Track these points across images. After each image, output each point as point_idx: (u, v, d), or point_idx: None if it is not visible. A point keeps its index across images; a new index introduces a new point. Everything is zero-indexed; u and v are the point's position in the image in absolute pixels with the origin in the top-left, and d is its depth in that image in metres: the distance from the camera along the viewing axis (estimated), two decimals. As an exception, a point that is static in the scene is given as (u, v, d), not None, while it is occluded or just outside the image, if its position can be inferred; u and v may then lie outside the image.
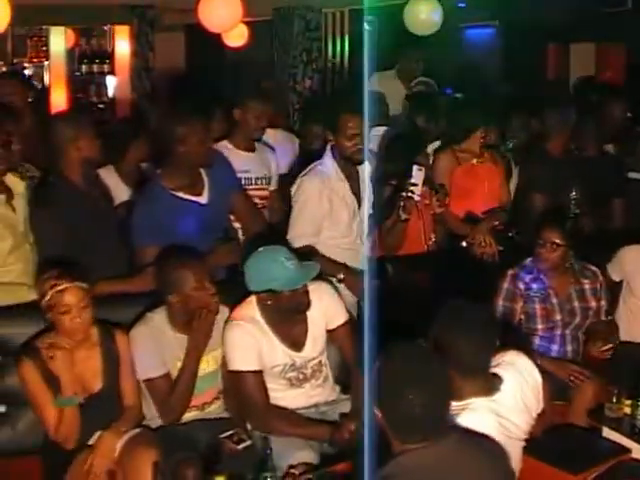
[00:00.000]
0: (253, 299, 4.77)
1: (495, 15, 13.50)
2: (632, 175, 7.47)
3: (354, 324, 5.08)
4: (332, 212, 5.67)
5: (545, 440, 4.62)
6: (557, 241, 5.49)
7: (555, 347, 5.65)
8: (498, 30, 13.97)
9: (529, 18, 12.65)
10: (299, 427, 4.69)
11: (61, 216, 5.13)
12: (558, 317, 5.61)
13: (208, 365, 4.82)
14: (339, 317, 4.95)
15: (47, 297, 4.46)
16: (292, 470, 4.37)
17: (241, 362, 4.67)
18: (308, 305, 4.74)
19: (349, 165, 5.71)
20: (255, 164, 6.43)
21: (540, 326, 5.62)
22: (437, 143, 7.19)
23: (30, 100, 6.83)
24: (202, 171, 5.42)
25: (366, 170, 5.77)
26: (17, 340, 4.71)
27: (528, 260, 5.66)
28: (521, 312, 5.64)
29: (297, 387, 4.85)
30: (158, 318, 4.76)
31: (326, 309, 4.89)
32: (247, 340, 4.67)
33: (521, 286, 5.61)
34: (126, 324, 4.81)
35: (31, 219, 5.22)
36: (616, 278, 6.06)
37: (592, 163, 7.30)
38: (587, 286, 5.70)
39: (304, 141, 7.29)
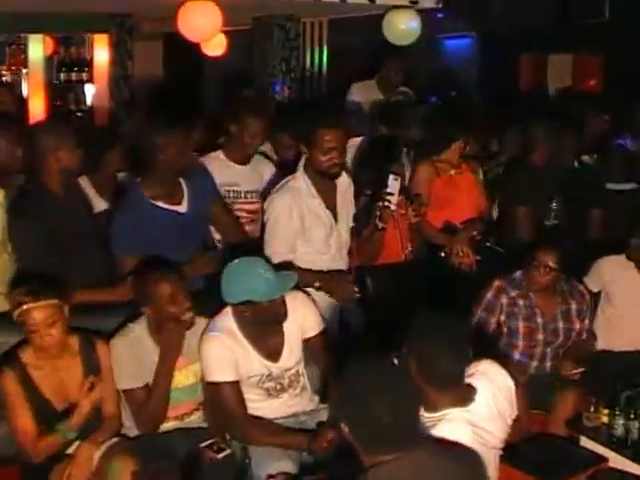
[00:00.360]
0: (229, 310, 4.76)
1: (473, 26, 13.60)
2: (610, 186, 7.50)
3: (329, 334, 5.09)
4: (305, 229, 5.54)
5: (523, 449, 4.64)
6: (551, 264, 5.45)
7: (534, 363, 5.64)
8: (476, 40, 14.07)
9: (506, 28, 12.76)
10: (277, 436, 4.67)
11: (40, 226, 5.09)
12: (541, 337, 5.59)
13: (187, 378, 4.81)
14: (315, 327, 4.94)
15: (16, 314, 4.46)
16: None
17: (218, 373, 4.66)
18: (285, 315, 4.73)
19: (324, 179, 5.58)
20: (246, 177, 6.32)
21: (521, 343, 5.60)
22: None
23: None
24: (181, 180, 5.41)
25: (344, 182, 5.72)
26: (-4, 349, 4.69)
27: (517, 273, 5.63)
28: (502, 325, 5.63)
29: (275, 397, 4.84)
30: (138, 328, 4.76)
31: (302, 319, 4.87)
32: (223, 352, 4.67)
33: (504, 300, 5.59)
34: (107, 333, 4.80)
35: (10, 228, 5.18)
36: (594, 288, 6.05)
37: (571, 174, 7.34)
38: (574, 307, 5.68)
39: (275, 151, 7.21)
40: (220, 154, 6.28)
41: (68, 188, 5.41)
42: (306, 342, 4.93)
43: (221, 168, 6.09)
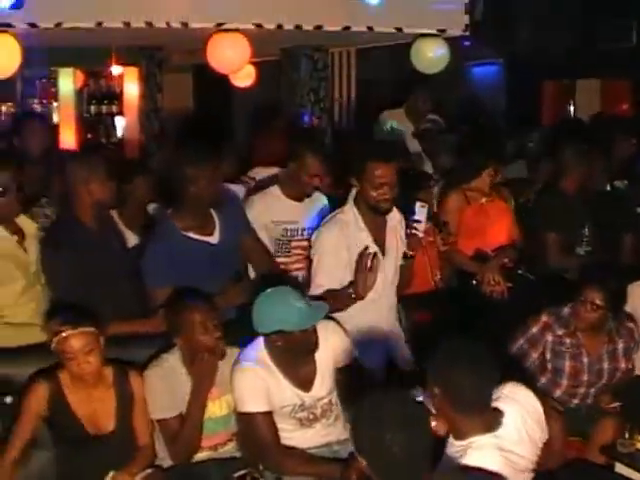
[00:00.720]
0: (260, 340, 4.77)
1: (500, 52, 13.60)
2: (640, 210, 7.48)
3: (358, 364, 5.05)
4: (351, 263, 5.38)
5: (559, 475, 4.60)
6: (598, 302, 5.26)
7: (575, 401, 5.54)
8: (503, 67, 14.06)
9: (533, 54, 12.74)
10: (310, 466, 4.66)
11: (73, 258, 5.12)
12: (585, 377, 5.46)
13: (221, 409, 4.83)
14: (346, 357, 4.93)
15: (53, 344, 4.52)
16: (305, 510, 4.39)
17: (250, 404, 4.67)
18: (317, 345, 4.72)
19: (374, 214, 5.50)
20: (303, 214, 6.19)
21: (566, 382, 5.47)
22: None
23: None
24: (213, 212, 5.44)
25: (395, 218, 5.63)
26: (28, 380, 4.73)
27: (565, 310, 5.46)
28: (546, 363, 5.49)
29: (308, 427, 4.84)
30: (172, 359, 4.78)
31: (333, 348, 4.87)
32: (256, 382, 4.67)
33: (550, 338, 5.44)
34: (140, 364, 4.82)
35: (42, 260, 5.23)
36: None
37: (602, 199, 7.31)
38: (620, 345, 5.53)
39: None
40: (277, 189, 6.18)
41: (100, 220, 5.44)
42: (339, 371, 4.92)
43: (277, 205, 6.06)
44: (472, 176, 6.61)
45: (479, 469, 3.62)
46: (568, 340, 5.45)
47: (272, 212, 5.88)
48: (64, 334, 4.47)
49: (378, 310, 5.59)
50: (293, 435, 4.79)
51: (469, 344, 3.86)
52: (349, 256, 5.40)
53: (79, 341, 4.48)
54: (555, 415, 4.55)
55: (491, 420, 3.86)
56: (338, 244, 5.43)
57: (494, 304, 6.22)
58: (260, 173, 7.13)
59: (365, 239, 5.47)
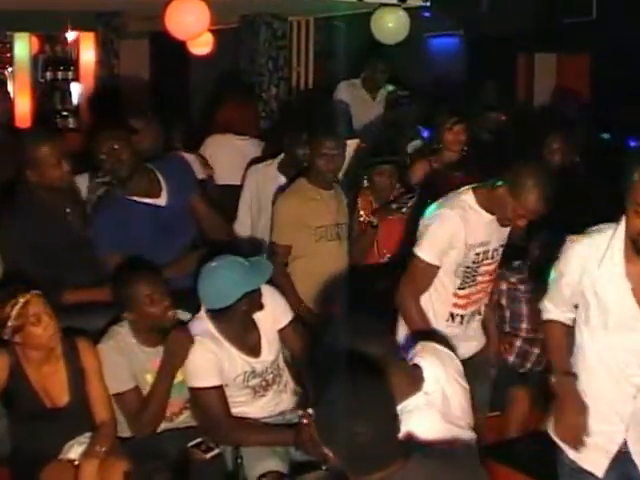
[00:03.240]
0: (203, 315, 4.75)
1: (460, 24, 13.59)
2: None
3: (300, 321, 5.11)
4: None
5: (518, 447, 4.62)
6: None
7: (536, 351, 5.64)
8: (463, 39, 14.05)
9: (494, 28, 12.75)
10: (263, 435, 4.66)
11: (22, 230, 5.02)
12: None
13: (180, 373, 4.77)
14: (285, 316, 4.95)
15: (13, 317, 4.38)
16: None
17: (202, 379, 4.65)
18: (261, 306, 4.74)
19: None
20: None
21: (524, 326, 5.64)
22: (417, 142, 7.27)
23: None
24: (159, 174, 5.40)
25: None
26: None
27: (515, 263, 5.61)
28: (504, 310, 5.66)
29: (261, 396, 4.84)
30: (124, 331, 4.74)
31: (272, 310, 4.87)
32: (207, 356, 4.65)
33: (504, 287, 5.63)
34: (95, 332, 4.76)
35: None
36: None
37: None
38: None
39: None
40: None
41: (55, 193, 5.26)
42: (280, 332, 4.93)
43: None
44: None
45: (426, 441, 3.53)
46: (522, 287, 5.63)
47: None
48: (22, 299, 4.36)
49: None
50: (247, 406, 4.79)
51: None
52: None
53: (39, 303, 4.40)
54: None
55: (415, 379, 3.72)
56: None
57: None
58: (217, 140, 7.16)
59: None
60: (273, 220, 5.92)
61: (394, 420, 3.15)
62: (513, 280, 5.63)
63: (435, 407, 3.70)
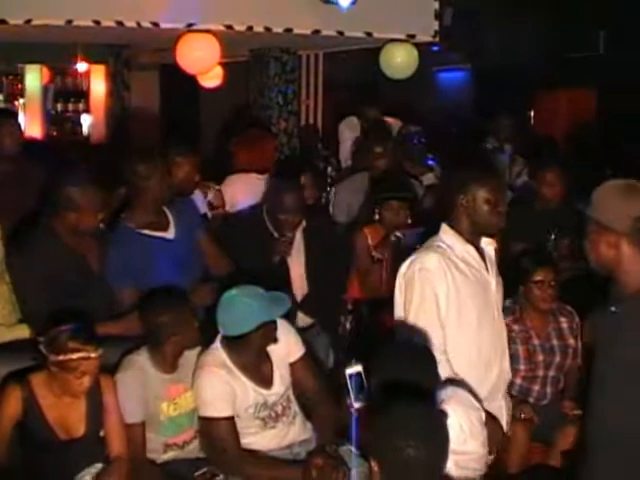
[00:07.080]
0: (217, 345, 4.78)
1: (468, 59, 13.67)
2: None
3: (310, 356, 5.14)
4: None
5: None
6: (552, 281, 5.62)
7: (536, 388, 5.70)
8: (471, 73, 14.14)
9: (501, 62, 12.82)
10: (271, 469, 4.67)
11: (41, 262, 5.04)
12: (540, 358, 5.68)
13: (188, 404, 4.82)
14: (298, 350, 4.99)
15: (62, 357, 4.33)
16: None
17: (213, 408, 4.67)
18: (276, 339, 4.78)
19: None
20: None
21: (522, 367, 5.65)
22: (430, 176, 7.33)
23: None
24: (166, 210, 5.46)
25: None
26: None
27: (507, 302, 5.59)
28: None
29: (271, 427, 4.84)
30: (142, 360, 4.77)
31: (286, 343, 4.91)
32: (221, 387, 4.68)
33: None
34: (109, 366, 4.75)
35: (8, 260, 5.15)
36: None
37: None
38: (565, 325, 5.78)
39: None
40: None
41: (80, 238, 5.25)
42: (292, 365, 4.97)
43: None
44: None
45: None
46: (516, 327, 5.68)
47: None
48: (87, 354, 4.33)
49: None
50: (257, 437, 4.80)
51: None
52: None
53: (94, 366, 4.38)
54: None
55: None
56: None
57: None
58: (240, 180, 7.14)
59: None
60: None
61: (444, 450, 3.20)
62: (507, 321, 5.49)
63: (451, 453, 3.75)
